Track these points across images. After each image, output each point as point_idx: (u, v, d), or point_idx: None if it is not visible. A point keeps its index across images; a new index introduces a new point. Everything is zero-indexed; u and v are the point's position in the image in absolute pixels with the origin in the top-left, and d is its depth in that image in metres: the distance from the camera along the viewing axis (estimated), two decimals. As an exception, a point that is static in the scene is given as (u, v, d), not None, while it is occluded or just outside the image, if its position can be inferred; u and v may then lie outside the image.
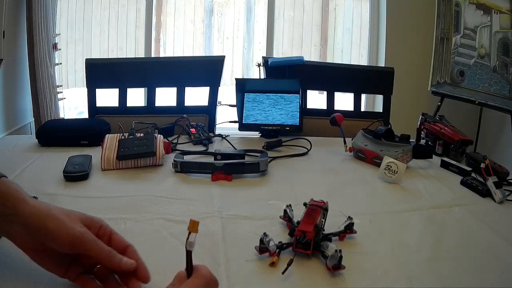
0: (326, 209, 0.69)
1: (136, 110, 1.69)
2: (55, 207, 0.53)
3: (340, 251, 0.59)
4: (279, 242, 0.65)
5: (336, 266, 0.59)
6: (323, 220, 0.68)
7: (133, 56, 3.00)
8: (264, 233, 0.64)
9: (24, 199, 0.52)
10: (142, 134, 1.13)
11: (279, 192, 0.93)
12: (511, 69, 2.15)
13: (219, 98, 1.70)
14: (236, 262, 0.63)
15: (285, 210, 0.72)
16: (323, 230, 0.67)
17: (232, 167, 0.99)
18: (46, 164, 1.04)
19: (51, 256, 0.52)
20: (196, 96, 1.73)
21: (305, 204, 0.69)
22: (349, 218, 0.69)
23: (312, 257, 0.63)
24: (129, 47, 3.06)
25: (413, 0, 2.77)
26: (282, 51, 3.13)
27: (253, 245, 0.65)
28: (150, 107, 1.65)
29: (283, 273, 0.57)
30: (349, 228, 0.69)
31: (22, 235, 0.51)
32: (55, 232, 0.50)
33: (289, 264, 0.58)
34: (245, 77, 3.16)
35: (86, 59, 1.63)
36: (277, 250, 0.63)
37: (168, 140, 1.23)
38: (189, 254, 0.47)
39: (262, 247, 0.63)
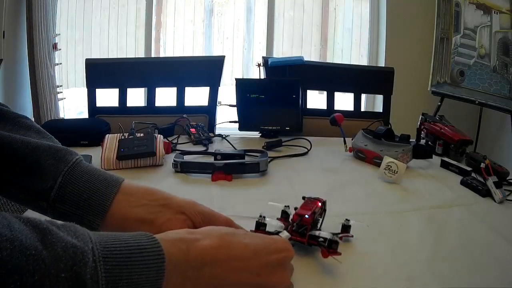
0: (324, 204, 0.69)
1: (136, 110, 1.70)
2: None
3: (337, 234, 0.59)
4: (274, 231, 0.65)
5: (332, 251, 0.58)
6: (320, 219, 0.68)
7: (133, 56, 3.00)
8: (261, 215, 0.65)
9: (164, 191, 0.57)
10: (142, 134, 1.13)
11: (279, 192, 0.93)
12: (511, 69, 2.15)
13: (219, 98, 1.70)
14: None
15: (282, 211, 0.71)
16: (320, 228, 0.67)
17: (232, 167, 0.99)
18: (46, 164, 1.04)
19: None
20: (196, 96, 1.73)
21: (303, 198, 0.69)
22: (347, 220, 0.69)
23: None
24: (129, 47, 3.06)
25: (413, 0, 2.77)
26: (282, 51, 3.12)
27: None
28: (150, 107, 1.65)
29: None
30: (346, 229, 0.69)
31: (173, 221, 0.54)
32: (216, 215, 0.57)
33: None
34: (245, 77, 3.16)
35: (86, 59, 1.63)
36: None
37: (168, 140, 1.23)
38: None
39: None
